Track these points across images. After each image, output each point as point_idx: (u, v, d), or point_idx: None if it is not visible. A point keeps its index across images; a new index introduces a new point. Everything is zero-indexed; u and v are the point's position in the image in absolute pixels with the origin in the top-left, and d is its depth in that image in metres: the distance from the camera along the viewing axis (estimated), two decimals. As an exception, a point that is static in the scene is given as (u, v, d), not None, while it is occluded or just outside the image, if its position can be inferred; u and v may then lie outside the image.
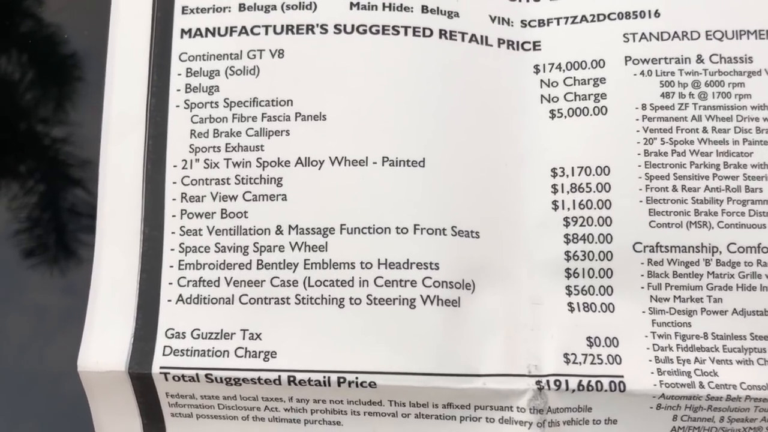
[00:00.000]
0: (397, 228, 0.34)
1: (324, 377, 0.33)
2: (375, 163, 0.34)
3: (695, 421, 0.33)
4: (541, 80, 0.36)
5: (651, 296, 0.34)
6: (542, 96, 0.36)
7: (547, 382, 0.33)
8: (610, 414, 0.33)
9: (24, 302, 0.39)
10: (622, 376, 0.33)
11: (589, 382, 0.33)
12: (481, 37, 0.36)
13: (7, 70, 0.41)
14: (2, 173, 0.40)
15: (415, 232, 0.34)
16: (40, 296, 0.39)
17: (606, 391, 0.32)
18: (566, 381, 0.33)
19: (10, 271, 0.39)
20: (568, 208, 0.35)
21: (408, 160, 0.34)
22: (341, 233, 0.34)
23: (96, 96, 0.38)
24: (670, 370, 0.33)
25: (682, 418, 0.33)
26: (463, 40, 0.35)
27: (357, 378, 0.33)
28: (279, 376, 0.33)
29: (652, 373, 0.33)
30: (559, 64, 0.36)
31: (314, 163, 0.34)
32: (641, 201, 0.34)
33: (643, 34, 0.35)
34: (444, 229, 0.34)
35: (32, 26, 0.41)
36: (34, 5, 0.41)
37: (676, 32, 0.35)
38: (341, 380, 0.33)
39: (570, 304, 0.34)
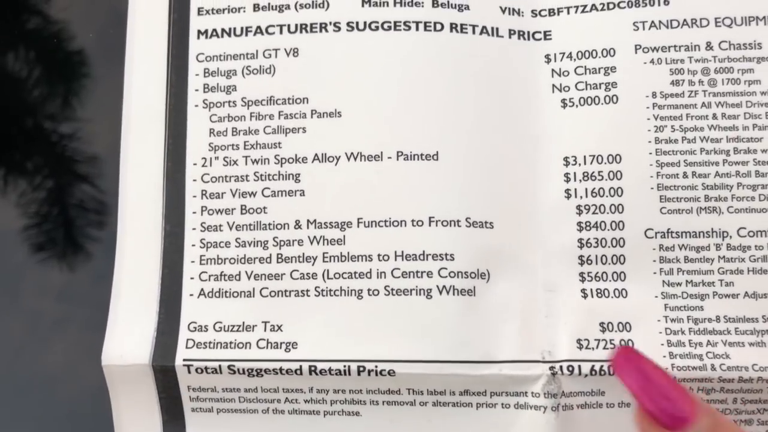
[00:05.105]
0: (413, 221, 0.35)
1: (344, 366, 0.34)
2: (390, 157, 0.35)
3: (709, 403, 0.33)
4: (552, 70, 0.36)
5: (663, 281, 0.34)
6: (553, 85, 0.36)
7: (561, 367, 0.33)
8: (624, 397, 0.33)
9: (33, 296, 0.39)
10: None
11: (601, 366, 0.33)
12: (492, 28, 0.36)
13: (14, 67, 0.41)
14: (10, 170, 0.40)
15: (430, 225, 0.34)
16: (49, 291, 0.39)
17: None
18: (579, 366, 0.33)
19: (20, 265, 0.39)
20: (581, 197, 0.35)
21: (422, 154, 0.35)
22: (358, 227, 0.35)
23: (102, 92, 0.39)
24: (682, 354, 0.33)
25: (695, 401, 0.34)
26: (474, 32, 0.36)
27: (376, 366, 0.34)
28: (300, 366, 0.34)
29: (664, 356, 0.33)
30: (570, 53, 0.36)
31: (331, 159, 0.35)
32: (652, 188, 0.35)
33: (652, 22, 0.36)
34: (458, 221, 0.34)
35: (39, 23, 0.41)
36: (40, 2, 0.41)
37: (685, 20, 0.35)
38: (361, 369, 0.34)
39: (583, 290, 0.34)
